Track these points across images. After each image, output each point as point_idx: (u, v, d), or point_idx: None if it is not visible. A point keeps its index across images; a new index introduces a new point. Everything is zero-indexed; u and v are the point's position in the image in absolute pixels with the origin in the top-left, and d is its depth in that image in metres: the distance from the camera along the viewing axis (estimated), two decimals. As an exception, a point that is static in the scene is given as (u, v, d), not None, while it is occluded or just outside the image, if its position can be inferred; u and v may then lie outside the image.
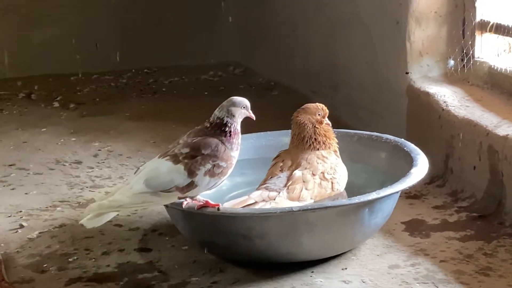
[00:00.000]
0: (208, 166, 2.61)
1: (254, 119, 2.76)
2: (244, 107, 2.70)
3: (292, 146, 3.02)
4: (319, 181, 2.88)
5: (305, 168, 2.90)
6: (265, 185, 2.88)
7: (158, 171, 2.61)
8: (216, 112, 2.69)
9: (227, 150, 2.64)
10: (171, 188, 2.58)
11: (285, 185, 2.86)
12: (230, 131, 2.66)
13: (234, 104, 2.69)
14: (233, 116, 2.67)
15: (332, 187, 2.89)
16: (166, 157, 2.63)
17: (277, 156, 3.03)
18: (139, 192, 2.57)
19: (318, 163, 2.92)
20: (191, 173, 2.59)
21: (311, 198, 2.85)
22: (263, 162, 3.07)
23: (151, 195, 2.58)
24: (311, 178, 2.87)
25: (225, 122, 2.66)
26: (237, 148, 2.68)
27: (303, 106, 3.05)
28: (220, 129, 2.66)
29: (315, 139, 2.98)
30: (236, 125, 2.68)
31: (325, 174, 2.90)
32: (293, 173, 2.89)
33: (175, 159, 2.61)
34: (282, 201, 2.80)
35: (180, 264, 2.86)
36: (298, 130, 3.00)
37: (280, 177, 2.90)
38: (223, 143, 2.64)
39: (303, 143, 2.98)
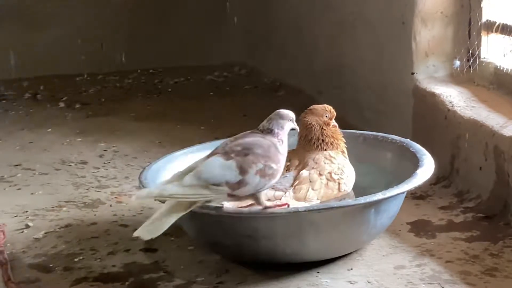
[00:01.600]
0: (260, 165, 2.59)
1: (299, 131, 2.86)
2: (290, 120, 2.71)
3: (299, 147, 3.02)
4: (326, 181, 2.87)
5: (312, 168, 2.89)
6: (271, 185, 2.88)
7: (209, 164, 2.58)
8: (265, 123, 2.69)
9: (278, 153, 2.64)
10: (222, 183, 2.55)
11: (292, 185, 2.85)
12: (282, 140, 2.67)
13: (282, 117, 2.70)
14: (282, 128, 2.68)
15: (339, 188, 2.88)
16: (217, 155, 2.61)
17: (284, 156, 3.03)
18: (189, 184, 2.53)
19: (325, 163, 2.91)
20: (242, 170, 2.57)
21: (317, 199, 2.84)
22: (269, 163, 3.07)
23: (201, 188, 2.54)
24: (318, 178, 2.87)
25: (275, 132, 2.67)
26: (284, 157, 2.67)
27: (310, 108, 3.04)
28: (271, 134, 2.66)
29: (322, 140, 2.97)
30: (285, 137, 2.69)
31: (332, 174, 2.89)
32: (300, 173, 2.89)
33: (227, 156, 2.59)
34: (288, 201, 2.79)
35: (186, 264, 2.86)
36: (305, 132, 2.99)
37: (286, 176, 2.89)
38: (275, 146, 2.64)
39: (311, 144, 2.97)
